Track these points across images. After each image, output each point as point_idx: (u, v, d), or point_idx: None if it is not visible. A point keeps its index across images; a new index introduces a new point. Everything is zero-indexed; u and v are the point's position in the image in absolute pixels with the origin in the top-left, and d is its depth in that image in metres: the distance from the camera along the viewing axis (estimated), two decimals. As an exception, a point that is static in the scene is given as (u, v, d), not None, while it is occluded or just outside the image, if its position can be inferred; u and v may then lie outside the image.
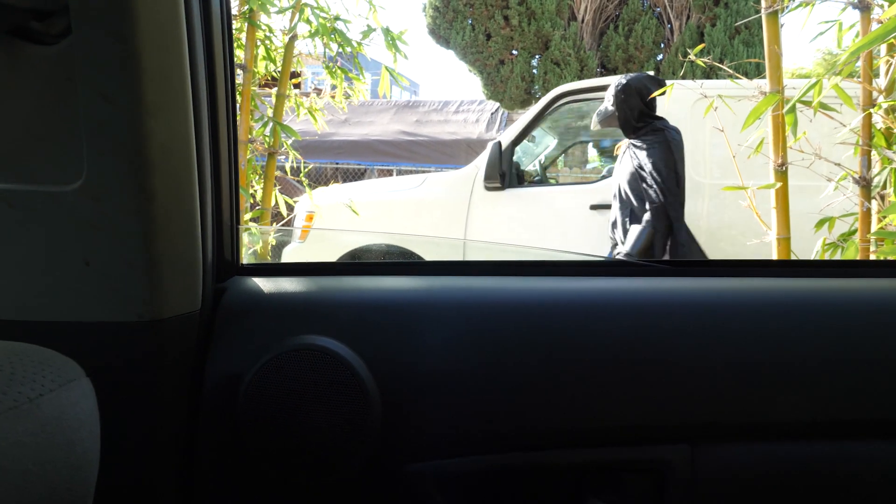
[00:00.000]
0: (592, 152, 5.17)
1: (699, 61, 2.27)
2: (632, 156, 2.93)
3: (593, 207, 3.64)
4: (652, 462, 0.71)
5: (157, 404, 0.61)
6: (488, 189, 3.80)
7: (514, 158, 3.95)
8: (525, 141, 4.02)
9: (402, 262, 0.86)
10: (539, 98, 5.17)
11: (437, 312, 0.71)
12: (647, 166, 2.85)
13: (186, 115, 0.59)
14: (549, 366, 0.69)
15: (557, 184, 4.71)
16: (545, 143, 4.61)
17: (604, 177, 3.82)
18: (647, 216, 2.83)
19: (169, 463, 0.63)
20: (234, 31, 2.69)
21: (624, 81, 2.97)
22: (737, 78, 2.02)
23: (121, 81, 0.53)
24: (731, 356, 0.71)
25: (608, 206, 3.56)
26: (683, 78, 3.54)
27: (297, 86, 3.18)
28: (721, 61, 8.19)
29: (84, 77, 0.53)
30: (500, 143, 3.73)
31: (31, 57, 0.53)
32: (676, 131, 2.95)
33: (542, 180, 4.54)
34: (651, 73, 3.07)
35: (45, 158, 0.56)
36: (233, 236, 0.72)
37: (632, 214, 2.94)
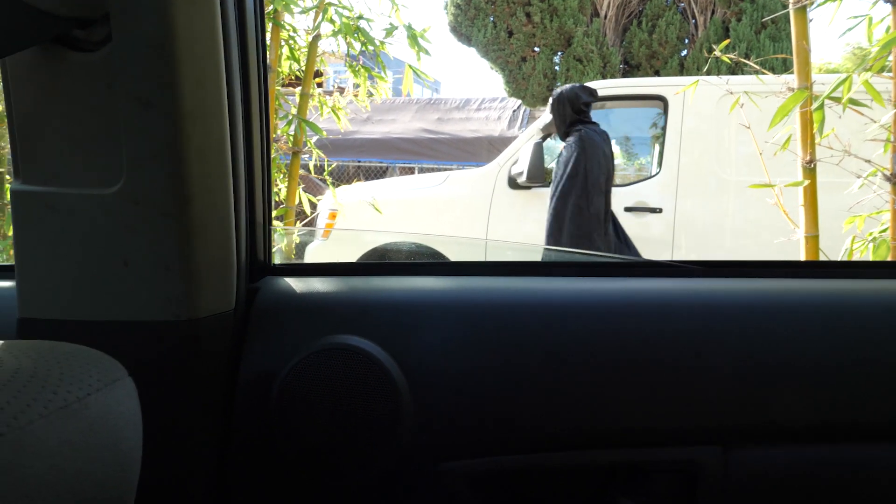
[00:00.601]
0: (616, 150, 5.13)
1: (724, 57, 2.24)
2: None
3: (628, 210, 3.62)
4: (682, 463, 0.71)
5: (194, 402, 0.63)
6: (517, 188, 3.80)
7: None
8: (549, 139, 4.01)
9: (431, 262, 0.87)
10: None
11: (466, 312, 0.72)
12: (557, 165, 3.15)
13: (222, 120, 0.60)
14: (578, 366, 0.70)
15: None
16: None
17: (645, 178, 3.79)
18: (549, 210, 3.13)
19: (204, 459, 0.65)
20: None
21: (557, 91, 3.26)
22: (763, 74, 1.99)
23: (159, 87, 0.54)
24: (763, 358, 0.70)
25: (645, 209, 3.55)
26: (708, 74, 3.51)
27: (319, 85, 3.21)
28: (747, 57, 8.07)
29: (123, 83, 0.54)
30: (541, 144, 3.72)
31: (73, 64, 0.55)
32: (597, 132, 3.13)
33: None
34: (588, 83, 3.32)
35: (86, 162, 0.58)
36: (265, 237, 0.74)
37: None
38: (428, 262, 0.89)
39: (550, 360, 0.70)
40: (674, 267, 0.83)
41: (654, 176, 3.68)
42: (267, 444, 0.66)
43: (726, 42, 2.42)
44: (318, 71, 3.13)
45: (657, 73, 9.29)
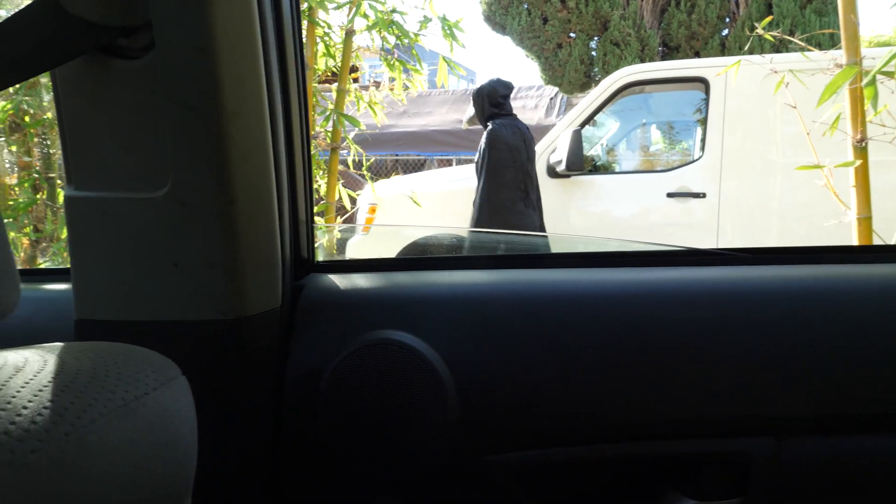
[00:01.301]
0: (657, 134, 5.03)
1: (767, 35, 2.17)
2: None
3: (671, 195, 3.55)
4: (733, 455, 0.70)
5: (244, 398, 0.64)
6: (556, 176, 3.76)
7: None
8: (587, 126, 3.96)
9: (474, 256, 0.87)
10: (599, 81, 5.06)
11: (510, 306, 0.72)
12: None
13: (263, 121, 0.61)
14: (625, 357, 0.69)
15: (631, 171, 4.60)
16: (606, 127, 4.53)
17: (687, 163, 3.72)
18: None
19: (255, 453, 0.66)
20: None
21: (477, 87, 3.49)
22: (809, 51, 1.93)
23: (201, 91, 0.55)
24: (816, 346, 0.69)
25: (689, 194, 3.48)
26: (751, 53, 3.41)
27: (355, 80, 3.23)
28: (791, 33, 7.81)
29: (166, 88, 0.55)
30: (580, 132, 3.69)
31: (118, 71, 0.57)
32: (507, 125, 3.34)
33: (605, 166, 4.46)
34: (503, 78, 3.54)
35: (135, 167, 0.59)
36: (308, 235, 0.75)
37: None
38: (470, 256, 0.89)
39: (597, 351, 0.69)
40: (722, 255, 0.81)
41: (696, 160, 3.60)
42: (315, 437, 0.67)
43: (769, 19, 2.35)
44: (353, 66, 3.16)
45: (697, 55, 9.06)
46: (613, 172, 4.24)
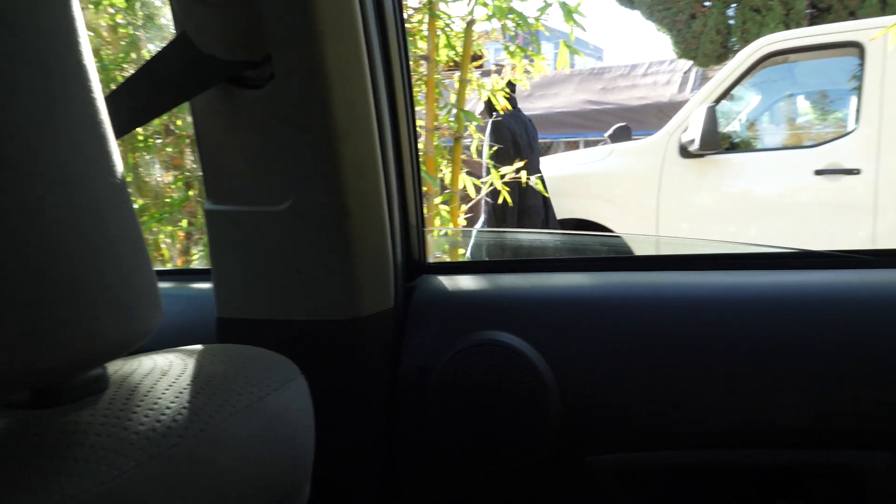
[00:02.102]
0: (803, 106, 4.63)
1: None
2: None
3: (819, 173, 3.28)
4: (847, 468, 0.66)
5: (358, 395, 0.70)
6: (689, 156, 3.58)
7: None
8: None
9: (582, 258, 0.87)
10: (737, 52, 4.73)
11: (614, 308, 0.72)
12: None
13: (372, 137, 0.65)
14: (732, 362, 0.67)
15: (774, 148, 4.29)
16: (745, 101, 4.23)
17: (838, 137, 3.41)
18: None
19: (369, 447, 0.71)
20: (415, 24, 2.82)
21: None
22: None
23: (315, 115, 0.60)
24: None
25: (841, 171, 3.20)
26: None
27: (479, 66, 3.26)
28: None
29: (285, 113, 0.61)
30: (714, 108, 3.49)
31: (246, 99, 0.63)
32: (506, 119, 3.37)
33: (744, 143, 4.18)
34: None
35: (261, 184, 0.66)
36: (419, 238, 0.78)
37: None
38: (577, 258, 0.89)
39: (703, 356, 0.67)
40: (840, 257, 0.76)
41: (849, 133, 3.29)
42: (425, 433, 0.71)
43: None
44: (476, 55, 3.19)
45: (852, 16, 8.20)
46: (754, 150, 3.95)
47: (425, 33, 2.76)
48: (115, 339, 0.33)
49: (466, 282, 0.79)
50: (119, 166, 0.35)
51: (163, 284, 0.97)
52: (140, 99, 0.62)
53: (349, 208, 0.64)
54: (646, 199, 3.74)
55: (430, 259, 0.83)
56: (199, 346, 0.48)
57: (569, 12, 2.70)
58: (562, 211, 4.06)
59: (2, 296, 0.28)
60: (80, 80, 0.32)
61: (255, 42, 0.59)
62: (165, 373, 0.41)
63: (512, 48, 2.90)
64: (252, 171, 0.66)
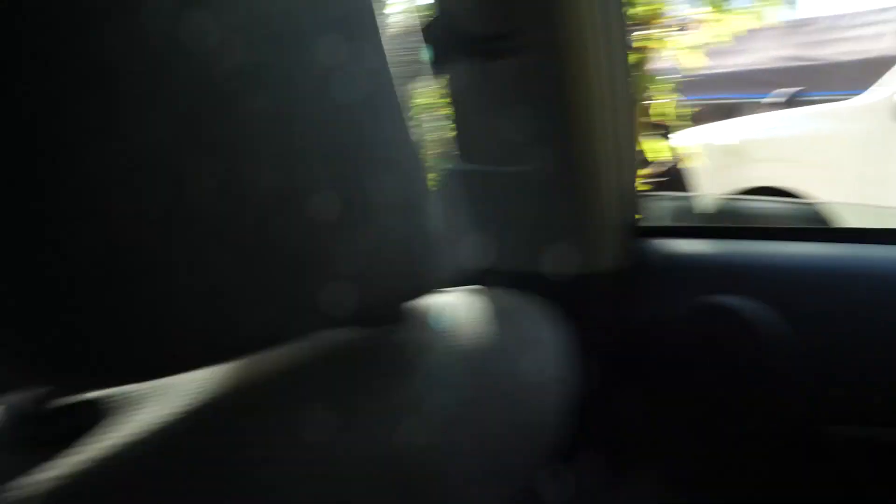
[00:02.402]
0: None
1: None
2: None
3: None
4: None
5: (586, 351, 0.77)
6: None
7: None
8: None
9: (812, 228, 0.86)
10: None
11: (856, 279, 0.71)
12: None
13: (604, 107, 0.72)
14: None
15: None
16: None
17: None
18: None
19: (599, 404, 0.77)
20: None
21: None
22: None
23: (555, 87, 0.70)
24: None
25: None
26: None
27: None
28: None
29: (528, 84, 0.70)
30: None
31: (494, 70, 0.72)
32: None
33: None
34: None
35: (506, 147, 0.75)
36: (637, 198, 0.83)
37: None
38: (805, 227, 0.88)
39: None
40: None
41: None
42: (657, 395, 0.76)
43: None
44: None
45: None
46: None
47: None
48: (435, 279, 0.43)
49: (692, 245, 0.82)
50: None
51: None
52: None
53: (582, 172, 0.72)
54: (852, 166, 3.39)
55: (649, 223, 0.88)
56: (480, 287, 0.57)
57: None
58: (747, 179, 3.81)
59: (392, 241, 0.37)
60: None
61: (506, 16, 0.67)
62: (463, 305, 0.51)
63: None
64: (500, 136, 0.75)
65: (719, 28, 2.82)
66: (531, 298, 0.58)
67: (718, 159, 3.69)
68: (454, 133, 0.78)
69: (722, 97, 7.24)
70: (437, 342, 0.45)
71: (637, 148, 0.83)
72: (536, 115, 0.70)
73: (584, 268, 0.74)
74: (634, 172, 0.82)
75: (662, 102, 3.02)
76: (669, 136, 3.19)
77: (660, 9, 2.90)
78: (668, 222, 1.21)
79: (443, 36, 0.70)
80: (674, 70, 3.27)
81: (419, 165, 0.42)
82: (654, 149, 2.97)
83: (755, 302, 0.72)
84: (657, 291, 0.78)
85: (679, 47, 2.99)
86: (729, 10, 2.77)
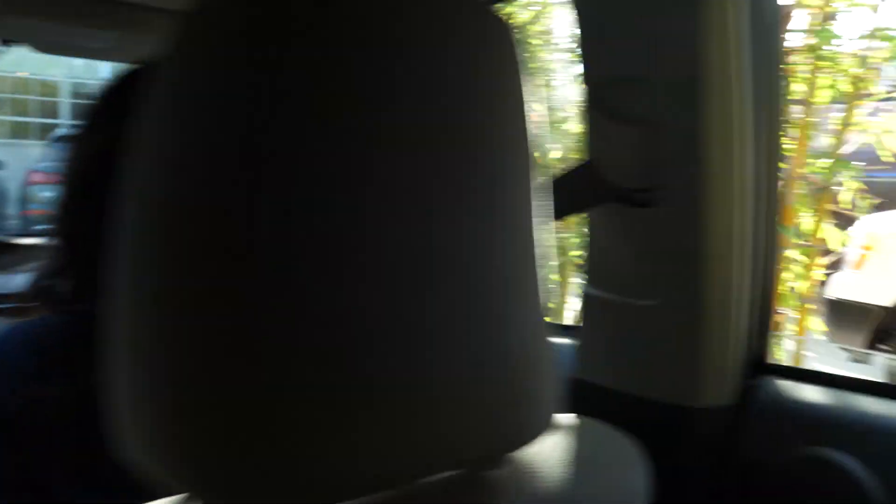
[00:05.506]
0: None
1: None
2: None
3: None
4: None
5: (686, 482, 0.78)
6: None
7: None
8: None
9: None
10: None
11: None
12: None
13: (738, 262, 0.73)
14: None
15: None
16: None
17: None
18: None
19: None
20: (791, 67, 2.66)
21: None
22: None
23: (688, 239, 0.72)
24: None
25: None
26: None
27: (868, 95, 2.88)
28: None
29: (662, 234, 0.73)
30: None
31: (629, 216, 0.77)
32: None
33: None
34: None
35: (635, 280, 0.79)
36: (765, 338, 0.83)
37: None
38: None
39: None
40: None
41: None
42: None
43: None
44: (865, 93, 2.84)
45: None
46: None
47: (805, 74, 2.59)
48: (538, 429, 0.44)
49: (810, 391, 0.80)
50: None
51: None
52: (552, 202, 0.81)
53: (706, 314, 0.74)
54: None
55: (773, 361, 0.86)
56: (569, 419, 0.60)
57: None
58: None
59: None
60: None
61: (648, 175, 0.73)
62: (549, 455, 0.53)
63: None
64: (627, 269, 0.80)
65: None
66: (627, 437, 0.60)
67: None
68: (588, 257, 0.83)
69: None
70: (527, 485, 0.48)
71: (775, 285, 0.83)
72: (666, 260, 0.74)
73: (694, 401, 0.75)
74: (765, 310, 0.81)
75: (851, 189, 2.81)
76: (854, 224, 2.94)
77: (867, 86, 2.73)
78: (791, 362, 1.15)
79: (588, 179, 0.76)
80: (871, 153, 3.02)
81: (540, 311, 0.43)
82: (835, 238, 2.77)
83: (863, 461, 0.69)
84: (765, 434, 0.76)
85: (884, 131, 2.78)
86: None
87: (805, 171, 2.68)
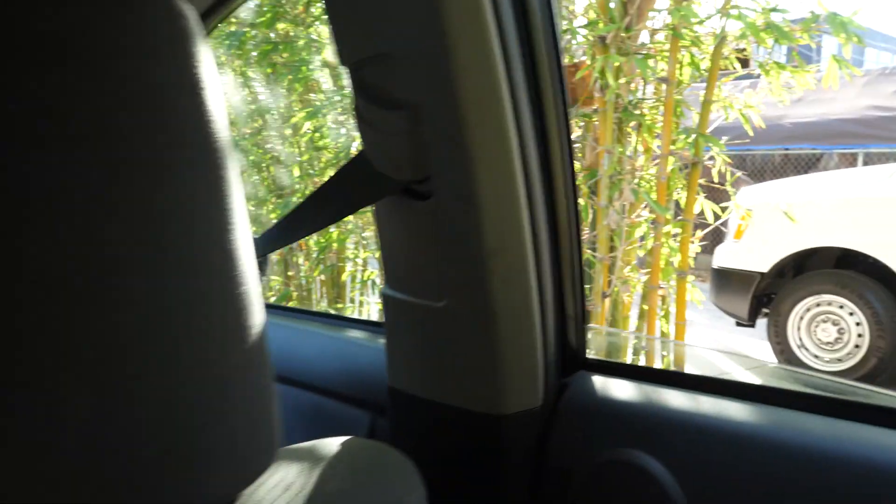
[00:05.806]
0: None
1: None
2: None
3: None
4: None
5: (496, 493, 0.72)
6: None
7: None
8: None
9: (762, 386, 0.78)
10: None
11: (777, 452, 0.62)
12: None
13: (525, 254, 0.68)
14: None
15: None
16: None
17: None
18: None
19: None
20: (655, 46, 2.71)
21: None
22: None
23: (468, 231, 0.65)
24: None
25: None
26: None
27: (745, 65, 2.97)
28: None
29: (443, 226, 0.66)
30: None
31: (413, 208, 0.69)
32: None
33: None
34: None
35: (424, 280, 0.72)
36: (577, 332, 0.77)
37: None
38: (758, 385, 0.79)
39: None
40: None
41: None
42: None
43: None
44: (744, 59, 2.92)
45: None
46: None
47: (666, 54, 2.64)
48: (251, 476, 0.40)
49: (622, 388, 0.75)
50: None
51: (356, 333, 1.09)
52: (329, 203, 0.72)
53: (498, 314, 0.67)
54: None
55: (592, 354, 0.81)
56: (326, 450, 0.53)
57: (841, 24, 2.39)
58: (824, 239, 3.58)
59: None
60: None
61: (418, 166, 0.65)
62: (289, 487, 0.48)
63: (767, 66, 2.65)
64: (419, 268, 0.72)
65: (779, 89, 2.70)
66: (403, 460, 0.54)
67: (773, 220, 3.46)
68: (382, 258, 0.76)
69: (798, 147, 6.88)
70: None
71: (581, 278, 0.77)
72: (449, 256, 0.67)
73: (500, 407, 0.69)
74: (574, 302, 0.75)
75: (720, 162, 2.91)
76: (728, 197, 3.05)
77: (727, 64, 2.82)
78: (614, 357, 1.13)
79: (364, 173, 0.68)
80: (737, 127, 3.15)
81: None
82: (709, 211, 2.86)
83: (665, 463, 0.64)
84: (573, 437, 0.71)
85: (746, 105, 2.89)
86: (798, 71, 2.65)
87: (675, 147, 2.74)
